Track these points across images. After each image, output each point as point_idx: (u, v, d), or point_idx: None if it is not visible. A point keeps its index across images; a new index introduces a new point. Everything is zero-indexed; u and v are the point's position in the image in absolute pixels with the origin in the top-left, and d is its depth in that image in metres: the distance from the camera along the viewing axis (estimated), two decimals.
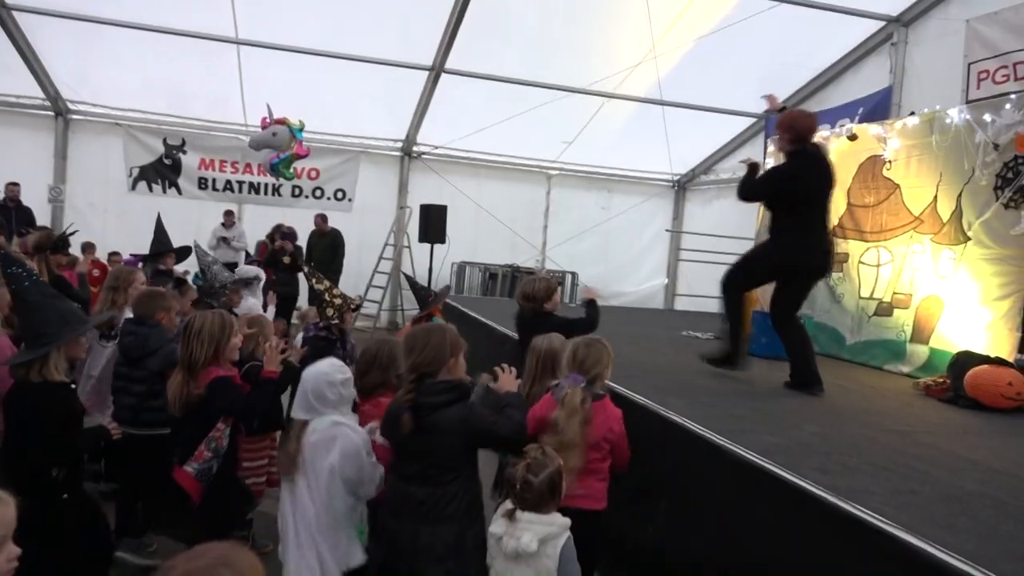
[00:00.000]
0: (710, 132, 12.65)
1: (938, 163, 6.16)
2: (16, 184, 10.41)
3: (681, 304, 13.41)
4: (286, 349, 3.56)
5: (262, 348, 3.78)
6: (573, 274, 13.16)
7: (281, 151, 7.23)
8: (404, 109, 12.04)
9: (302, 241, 11.27)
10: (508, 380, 3.12)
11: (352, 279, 11.48)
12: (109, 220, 11.79)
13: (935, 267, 6.11)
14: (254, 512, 4.14)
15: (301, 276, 10.76)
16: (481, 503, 2.85)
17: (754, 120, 12.09)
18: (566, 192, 14.08)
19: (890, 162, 6.66)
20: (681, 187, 14.43)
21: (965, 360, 5.16)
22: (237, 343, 3.54)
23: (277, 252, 10.49)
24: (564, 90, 11.18)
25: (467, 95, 11.45)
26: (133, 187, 11.99)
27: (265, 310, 5.90)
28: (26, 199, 10.54)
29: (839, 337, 6.95)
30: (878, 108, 9.48)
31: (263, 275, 6.14)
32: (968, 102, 7.43)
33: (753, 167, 5.27)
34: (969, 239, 5.82)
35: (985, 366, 4.98)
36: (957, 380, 5.05)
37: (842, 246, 7.11)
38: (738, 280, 5.28)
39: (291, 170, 7.99)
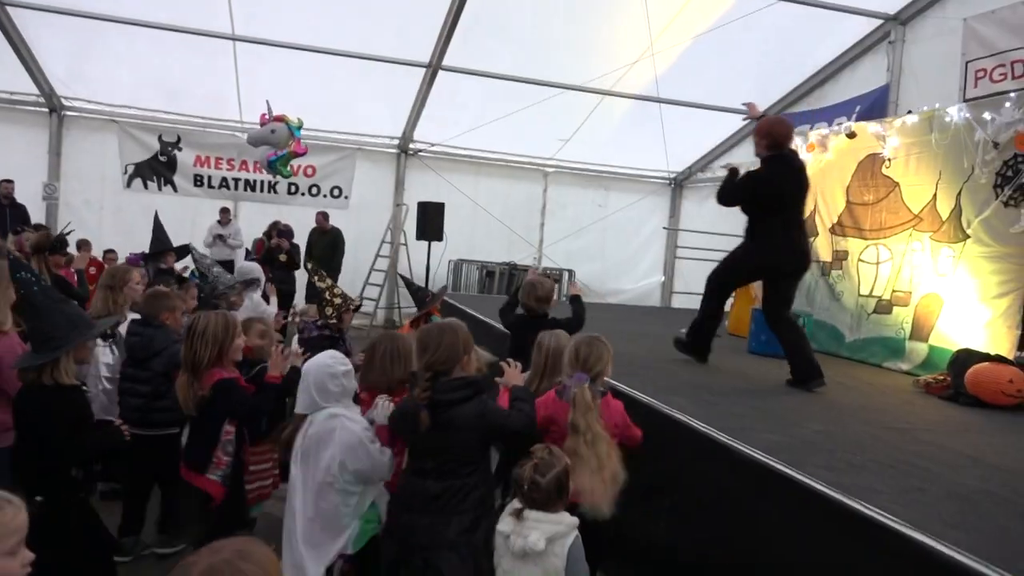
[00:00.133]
0: (707, 130, 12.65)
1: (937, 161, 6.17)
2: (10, 181, 10.33)
3: (678, 302, 13.42)
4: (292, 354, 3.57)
5: (268, 352, 3.77)
6: (570, 271, 13.14)
7: (279, 148, 7.20)
8: (401, 106, 12.01)
9: (300, 238, 11.24)
10: (514, 374, 3.18)
11: (349, 277, 11.45)
12: (104, 217, 11.75)
13: (934, 265, 6.12)
14: (258, 512, 4.13)
15: (297, 273, 10.79)
16: (494, 495, 2.90)
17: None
18: (563, 189, 14.08)
19: (889, 160, 6.66)
20: (678, 185, 14.44)
21: (965, 358, 5.18)
22: (241, 344, 3.52)
23: (273, 250, 10.45)
24: (561, 87, 11.17)
25: (464, 92, 11.43)
26: (128, 184, 11.93)
27: (268, 302, 5.91)
28: (20, 196, 10.47)
29: (838, 335, 6.96)
30: (875, 106, 9.51)
31: (263, 277, 6.12)
32: (966, 100, 7.44)
33: (733, 172, 5.45)
34: (968, 237, 5.83)
35: (986, 364, 4.99)
36: (958, 378, 5.06)
37: (841, 244, 7.13)
38: (722, 280, 5.51)
39: (288, 168, 7.97)
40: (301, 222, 11.51)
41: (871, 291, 6.71)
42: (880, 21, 9.80)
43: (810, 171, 7.62)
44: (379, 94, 11.64)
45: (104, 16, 9.74)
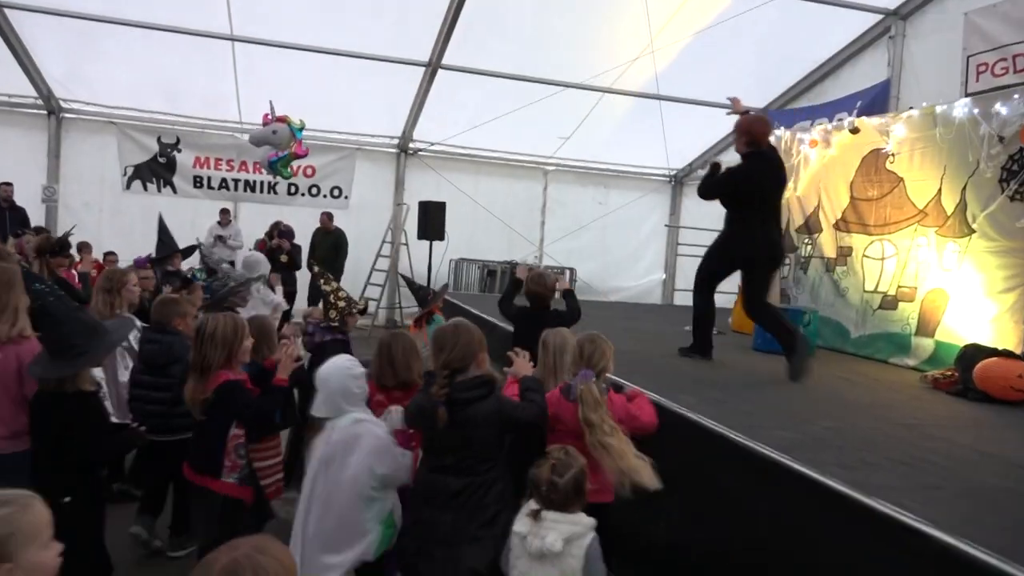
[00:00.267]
0: (707, 126, 12.58)
1: (942, 156, 6.15)
2: (9, 184, 10.29)
3: (680, 299, 13.39)
4: (300, 357, 3.57)
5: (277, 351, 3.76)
6: (571, 269, 13.12)
7: (280, 149, 7.17)
8: (400, 106, 11.97)
9: (300, 239, 11.22)
10: (523, 365, 3.28)
11: (349, 277, 11.40)
12: (104, 219, 11.69)
13: (940, 260, 6.10)
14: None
15: (298, 274, 10.77)
16: (511, 489, 2.92)
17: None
18: (563, 188, 14.04)
19: (893, 155, 6.65)
20: (678, 182, 14.42)
21: (973, 353, 5.16)
22: (249, 346, 3.50)
23: (275, 250, 10.43)
24: (561, 85, 11.14)
25: (463, 91, 11.39)
26: (128, 186, 11.88)
27: (273, 291, 5.92)
28: (19, 199, 10.42)
29: (843, 331, 6.95)
30: (876, 101, 9.49)
31: (268, 268, 6.12)
32: (968, 95, 7.42)
33: (715, 167, 5.70)
34: (974, 232, 5.82)
35: (994, 359, 4.98)
36: (966, 373, 5.05)
37: (846, 240, 7.11)
38: (704, 275, 5.71)
39: (288, 169, 7.95)
40: (301, 223, 11.48)
41: (876, 287, 6.70)
42: (880, 16, 9.78)
43: (813, 167, 7.68)
44: (378, 94, 11.60)
45: (102, 17, 9.69)
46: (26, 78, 10.79)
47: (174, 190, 12.09)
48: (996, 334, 5.53)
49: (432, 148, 12.96)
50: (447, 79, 11.11)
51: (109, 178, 11.86)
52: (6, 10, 9.66)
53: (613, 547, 3.28)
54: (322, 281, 4.87)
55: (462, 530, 2.76)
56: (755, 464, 3.16)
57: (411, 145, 12.96)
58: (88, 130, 11.77)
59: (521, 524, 2.52)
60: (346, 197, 12.80)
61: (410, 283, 6.17)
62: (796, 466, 2.96)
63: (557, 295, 4.86)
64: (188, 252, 6.37)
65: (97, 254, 9.82)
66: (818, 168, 7.60)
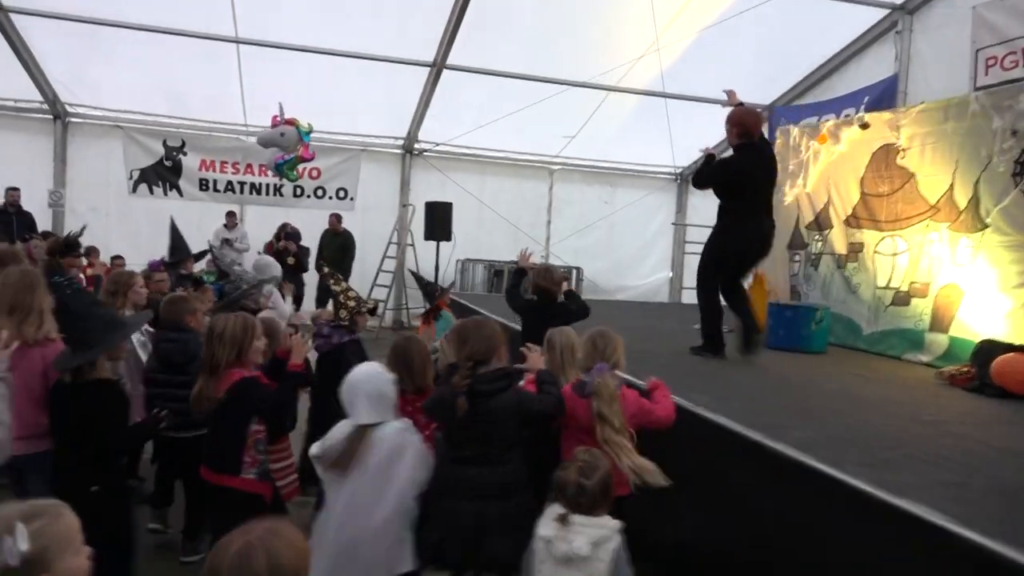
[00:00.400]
0: (713, 124, 12.41)
1: (954, 151, 6.11)
2: (16, 189, 10.29)
3: (688, 297, 13.34)
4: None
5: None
6: (578, 269, 13.10)
7: (287, 152, 7.18)
8: (405, 106, 11.94)
9: (308, 241, 11.21)
10: (536, 359, 3.31)
11: (356, 278, 11.40)
12: (111, 223, 11.67)
13: (952, 255, 6.06)
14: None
15: (306, 276, 10.76)
16: (528, 476, 2.97)
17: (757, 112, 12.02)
18: (569, 187, 14.00)
19: (904, 150, 6.60)
20: (684, 180, 14.37)
21: (990, 348, 5.12)
22: (260, 345, 3.48)
23: (281, 252, 10.43)
24: (566, 84, 11.11)
25: (468, 91, 11.36)
26: (134, 190, 11.88)
27: (284, 299, 5.92)
28: (26, 204, 10.43)
29: (855, 327, 6.91)
30: (884, 96, 9.43)
31: (280, 271, 6.12)
32: (977, 89, 7.39)
33: (710, 157, 5.82)
34: (987, 226, 5.78)
35: (1011, 354, 4.93)
36: (982, 368, 5.01)
37: (857, 236, 7.07)
38: (706, 272, 5.74)
39: (294, 172, 7.96)
40: (308, 225, 11.46)
41: (888, 283, 6.66)
42: (887, 11, 9.72)
43: (823, 163, 7.63)
44: (383, 94, 11.58)
45: (107, 21, 9.68)
46: (32, 83, 10.79)
47: (180, 193, 12.09)
48: (1011, 329, 5.48)
49: (437, 149, 12.93)
50: (452, 79, 11.08)
51: (115, 182, 11.85)
52: (11, 15, 9.66)
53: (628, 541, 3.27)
54: (332, 281, 4.86)
55: (485, 518, 2.80)
56: (777, 465, 3.11)
57: (416, 146, 12.93)
58: (94, 134, 11.76)
59: (546, 528, 2.48)
60: (352, 199, 12.78)
61: (418, 278, 6.17)
62: (821, 467, 2.92)
63: (560, 297, 4.86)
64: (200, 256, 6.38)
65: (104, 258, 9.81)
66: (827, 164, 7.56)
